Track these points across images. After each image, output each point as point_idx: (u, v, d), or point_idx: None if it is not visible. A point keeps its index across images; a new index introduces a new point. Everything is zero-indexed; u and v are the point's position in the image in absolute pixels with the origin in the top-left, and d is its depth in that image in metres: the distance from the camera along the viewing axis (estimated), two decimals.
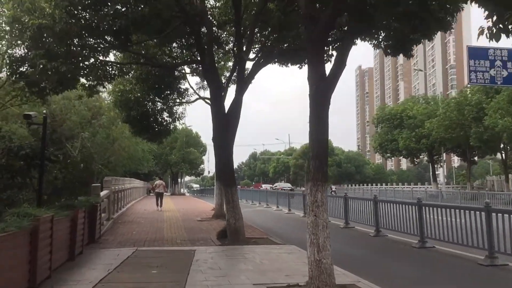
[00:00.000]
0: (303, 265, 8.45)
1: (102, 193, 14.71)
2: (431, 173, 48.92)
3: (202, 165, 73.97)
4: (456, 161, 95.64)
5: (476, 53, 22.58)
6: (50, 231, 7.28)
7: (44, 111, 13.11)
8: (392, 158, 56.85)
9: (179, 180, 72.23)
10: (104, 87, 15.66)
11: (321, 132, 6.62)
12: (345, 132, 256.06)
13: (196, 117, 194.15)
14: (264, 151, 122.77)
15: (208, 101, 19.01)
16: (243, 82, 13.53)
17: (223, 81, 18.71)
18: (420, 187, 58.22)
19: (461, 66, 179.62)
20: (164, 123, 19.21)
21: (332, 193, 36.54)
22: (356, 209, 16.39)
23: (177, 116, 19.63)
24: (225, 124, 12.30)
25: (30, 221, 6.36)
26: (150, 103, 18.25)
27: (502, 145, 33.89)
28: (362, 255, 11.17)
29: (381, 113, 48.23)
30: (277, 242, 11.90)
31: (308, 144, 7.11)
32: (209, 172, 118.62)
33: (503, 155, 35.24)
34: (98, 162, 40.77)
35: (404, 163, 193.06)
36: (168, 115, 19.32)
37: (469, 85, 35.24)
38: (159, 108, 18.79)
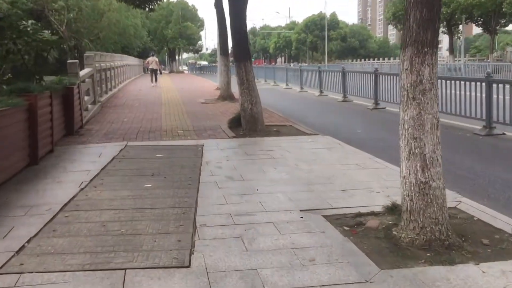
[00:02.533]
0: (359, 170, 6.00)
1: (83, 72, 11.92)
2: (448, 45, 45.24)
3: (200, 41, 69.82)
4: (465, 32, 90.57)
5: None
6: None
7: None
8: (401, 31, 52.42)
9: (177, 57, 68.52)
10: None
11: None
12: (344, 2, 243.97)
13: None
14: (263, 26, 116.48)
15: None
16: None
17: None
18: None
19: None
20: None
21: None
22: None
23: None
24: None
25: None
26: None
27: None
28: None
29: None
30: (305, 131, 9.41)
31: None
32: (207, 49, 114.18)
33: None
34: (85, 38, 37.32)
35: None
36: None
37: None
38: None
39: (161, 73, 29.31)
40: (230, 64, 16.29)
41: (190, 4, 61.36)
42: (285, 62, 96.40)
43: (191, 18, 60.21)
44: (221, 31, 15.39)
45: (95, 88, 13.15)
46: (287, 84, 24.76)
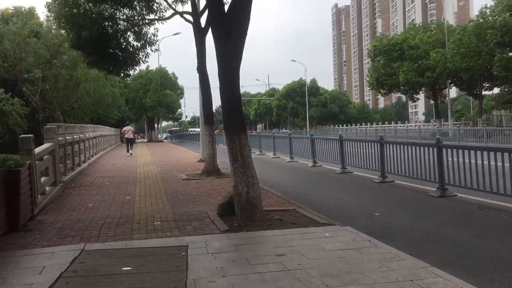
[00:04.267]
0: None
1: (40, 148, 9.93)
2: (434, 109, 44.69)
3: (179, 109, 68.86)
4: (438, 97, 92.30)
5: None
6: None
7: None
8: (390, 93, 52.36)
9: (156, 125, 67.05)
10: None
11: None
12: (321, 72, 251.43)
13: (171, 54, 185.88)
14: (243, 93, 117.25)
15: (188, 16, 13.96)
16: None
17: None
18: (409, 125, 54.56)
19: (440, 2, 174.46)
20: (130, 49, 14.09)
21: None
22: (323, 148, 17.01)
23: (147, 39, 14.48)
24: (226, 26, 7.38)
25: None
26: (108, 21, 13.08)
27: None
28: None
29: (379, 44, 43.05)
30: (315, 218, 7.46)
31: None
32: (186, 116, 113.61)
33: None
34: (58, 109, 35.55)
35: (382, 102, 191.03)
36: (134, 37, 14.17)
37: (492, 3, 30.47)
38: (121, 27, 13.61)
39: (135, 142, 29.09)
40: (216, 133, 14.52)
41: (170, 72, 60.78)
42: (265, 128, 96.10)
43: (171, 86, 59.37)
44: (204, 97, 13.76)
45: (57, 166, 11.10)
46: (274, 153, 23.05)
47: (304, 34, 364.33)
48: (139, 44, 14.33)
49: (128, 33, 13.88)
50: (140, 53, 14.46)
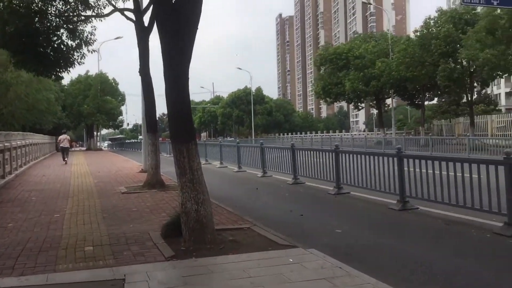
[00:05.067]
0: None
1: None
2: (378, 118, 45.32)
3: (120, 116, 66.30)
4: (373, 108, 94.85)
5: None
6: None
7: None
8: (335, 102, 52.72)
9: (95, 133, 64.10)
10: None
11: None
12: (266, 81, 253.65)
13: (112, 60, 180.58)
14: None
15: (130, 14, 12.78)
16: None
17: None
18: (354, 134, 55.36)
19: (380, 14, 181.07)
20: (64, 49, 12.69)
21: None
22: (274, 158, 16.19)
23: (84, 38, 13.13)
24: (174, 19, 6.34)
25: None
26: (37, 15, 11.65)
27: (469, 84, 30.27)
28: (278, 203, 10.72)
29: (325, 53, 43.24)
30: (274, 239, 6.57)
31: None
32: (128, 124, 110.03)
33: (469, 96, 31.79)
34: None
35: (325, 111, 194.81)
36: (69, 35, 12.78)
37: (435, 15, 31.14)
38: (53, 23, 12.19)
39: (70, 150, 29.61)
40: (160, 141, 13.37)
41: (110, 77, 58.25)
42: (209, 136, 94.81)
43: (111, 92, 56.87)
44: (147, 102, 12.57)
45: None
46: (221, 163, 22.07)
47: (249, 44, 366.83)
48: (74, 44, 12.95)
49: (62, 30, 12.48)
50: (75, 54, 13.08)
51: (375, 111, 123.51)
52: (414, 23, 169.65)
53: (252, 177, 16.54)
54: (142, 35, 12.44)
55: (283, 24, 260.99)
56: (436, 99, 44.66)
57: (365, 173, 10.85)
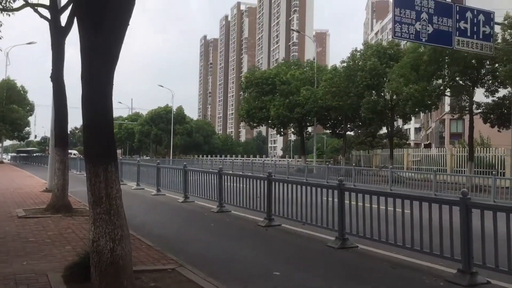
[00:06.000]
0: None
1: None
2: (300, 145, 45.53)
3: (27, 127, 61.31)
4: (291, 135, 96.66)
5: (403, 1, 18.41)
6: None
7: None
8: (259, 127, 52.47)
9: None
10: None
11: None
12: (186, 102, 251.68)
13: (24, 67, 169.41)
14: None
15: (44, 11, 11.17)
16: None
17: None
18: (276, 160, 55.46)
19: (303, 44, 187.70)
20: None
21: None
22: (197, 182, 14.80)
23: None
24: (99, 13, 5.10)
25: None
26: None
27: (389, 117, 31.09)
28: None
29: (251, 76, 42.85)
30: (203, 285, 5.43)
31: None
32: (35, 136, 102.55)
33: (390, 128, 32.65)
34: None
35: (244, 135, 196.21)
36: None
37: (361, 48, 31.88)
38: None
39: None
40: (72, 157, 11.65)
41: (18, 85, 53.72)
42: (124, 154, 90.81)
43: (19, 100, 52.38)
44: (58, 112, 10.88)
45: None
46: (138, 184, 20.38)
47: (171, 62, 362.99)
48: None
49: None
50: None
51: (293, 138, 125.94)
52: (333, 58, 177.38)
53: (173, 202, 15.17)
54: (58, 36, 10.86)
55: (207, 46, 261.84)
56: (353, 130, 45.96)
57: (299, 204, 10.02)
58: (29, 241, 7.58)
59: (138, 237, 8.10)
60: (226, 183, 13.25)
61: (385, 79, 28.96)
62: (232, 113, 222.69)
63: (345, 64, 31.83)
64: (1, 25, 11.51)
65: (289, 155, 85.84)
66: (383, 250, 8.05)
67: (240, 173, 23.52)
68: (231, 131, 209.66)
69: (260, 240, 9.37)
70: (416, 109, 27.34)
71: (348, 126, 40.15)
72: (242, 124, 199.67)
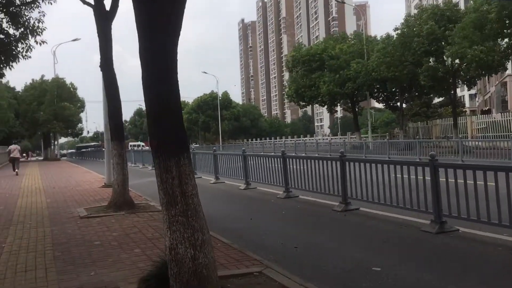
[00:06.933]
0: None
1: None
2: (329, 122, 43.98)
3: (80, 124, 62.64)
4: (339, 111, 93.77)
5: None
6: None
7: None
8: (312, 105, 51.04)
9: (53, 142, 60.08)
10: None
11: None
12: (229, 87, 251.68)
13: (69, 64, 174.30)
14: None
15: None
16: None
17: None
18: (329, 138, 54.05)
19: (342, 18, 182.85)
20: (5, 39, 10.22)
21: None
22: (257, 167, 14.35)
23: (29, 26, 10.66)
24: None
25: None
26: None
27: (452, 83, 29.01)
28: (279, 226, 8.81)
29: (297, 54, 41.44)
30: None
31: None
32: (88, 132, 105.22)
33: (453, 95, 30.49)
34: None
35: (289, 116, 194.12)
36: (10, 21, 10.31)
37: (415, 12, 29.82)
38: None
39: (27, 159, 30.30)
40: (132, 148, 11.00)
41: (68, 82, 54.67)
42: None
43: (69, 98, 53.28)
44: (111, 102, 10.22)
45: None
46: (195, 173, 19.76)
47: (212, 49, 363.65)
48: (17, 33, 10.48)
49: (1, 15, 10.02)
50: (20, 45, 10.61)
51: (339, 115, 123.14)
52: (374, 29, 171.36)
53: (235, 190, 14.40)
54: (103, 21, 10.13)
55: (245, 29, 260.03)
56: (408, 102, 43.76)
57: (381, 186, 8.93)
58: (95, 245, 6.92)
59: (211, 233, 7.27)
60: (290, 166, 12.31)
61: (443, 43, 26.86)
62: (275, 95, 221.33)
63: (399, 31, 29.78)
64: (44, 15, 10.89)
65: (336, 133, 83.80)
66: (491, 233, 6.89)
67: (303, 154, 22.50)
68: (276, 113, 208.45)
69: (341, 228, 8.37)
70: (483, 72, 25.17)
71: (405, 97, 38.09)
72: (286, 105, 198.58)
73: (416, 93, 36.47)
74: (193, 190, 4.42)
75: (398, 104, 38.59)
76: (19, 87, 57.10)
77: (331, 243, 7.27)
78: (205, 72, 68.72)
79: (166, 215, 4.32)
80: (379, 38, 38.42)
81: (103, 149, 20.27)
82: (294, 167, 12.22)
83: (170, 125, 4.38)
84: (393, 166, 8.79)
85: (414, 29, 28.29)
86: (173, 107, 4.40)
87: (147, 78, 4.39)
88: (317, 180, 10.99)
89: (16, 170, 24.48)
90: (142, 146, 56.25)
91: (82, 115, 63.08)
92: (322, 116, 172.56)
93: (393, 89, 35.04)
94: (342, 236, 7.79)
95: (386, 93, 38.08)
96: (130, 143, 70.95)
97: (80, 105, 58.73)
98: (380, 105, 51.39)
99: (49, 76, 52.98)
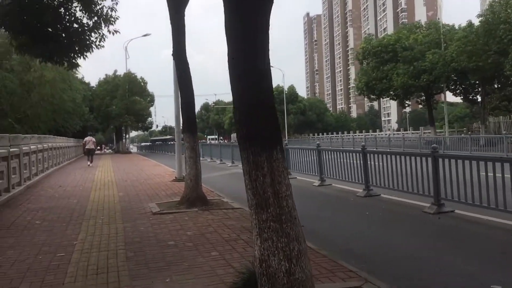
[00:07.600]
0: None
1: None
2: (397, 117, 41.72)
3: (149, 118, 64.29)
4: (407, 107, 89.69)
5: None
6: None
7: None
8: (381, 99, 49.13)
9: (125, 135, 62.03)
10: None
11: None
12: (294, 81, 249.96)
13: (139, 59, 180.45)
14: (217, 101, 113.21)
15: None
16: None
17: None
18: (402, 133, 51.80)
19: (412, 9, 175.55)
20: (78, 28, 10.04)
21: None
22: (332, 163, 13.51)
23: (103, 14, 10.43)
24: None
25: None
26: None
27: None
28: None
29: (368, 46, 39.73)
30: None
31: None
32: (157, 126, 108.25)
33: None
34: (10, 117, 30.98)
35: (354, 110, 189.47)
36: (84, 10, 10.12)
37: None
38: None
39: (101, 151, 31.02)
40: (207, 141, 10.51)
41: (138, 77, 56.05)
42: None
43: (140, 92, 54.66)
44: (184, 93, 9.76)
45: None
46: None
47: (277, 43, 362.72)
48: (90, 22, 10.27)
49: (74, 4, 9.82)
50: (93, 34, 10.40)
51: (407, 110, 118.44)
52: (446, 20, 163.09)
53: (309, 187, 13.61)
54: (176, 7, 9.67)
55: (310, 23, 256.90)
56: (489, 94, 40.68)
57: (476, 186, 7.85)
58: (168, 245, 6.40)
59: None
60: (372, 163, 11.35)
61: None
62: (341, 89, 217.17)
63: (482, 19, 27.47)
64: (117, 3, 10.60)
65: (405, 128, 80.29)
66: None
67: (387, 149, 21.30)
68: (341, 107, 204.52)
69: (438, 233, 7.37)
70: None
71: (487, 88, 35.37)
72: (352, 99, 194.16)
73: (499, 85, 33.71)
74: (287, 190, 3.73)
75: (478, 97, 35.89)
76: (93, 83, 59.45)
77: (430, 251, 6.33)
78: (272, 66, 68.06)
79: (256, 220, 3.64)
80: (457, 28, 35.94)
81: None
82: (374, 163, 11.26)
83: (262, 114, 3.69)
84: (499, 164, 7.62)
85: (501, 15, 25.94)
86: (266, 95, 3.72)
87: (236, 65, 3.72)
88: (403, 178, 9.98)
89: (89, 163, 25.07)
90: (221, 139, 56.95)
91: (152, 109, 64.70)
92: (390, 110, 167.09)
93: (474, 81, 32.58)
94: (441, 243, 6.81)
95: (464, 86, 35.53)
96: (208, 137, 72.50)
97: (149, 99, 60.15)
98: (454, 99, 48.28)
99: (121, 71, 54.64)
